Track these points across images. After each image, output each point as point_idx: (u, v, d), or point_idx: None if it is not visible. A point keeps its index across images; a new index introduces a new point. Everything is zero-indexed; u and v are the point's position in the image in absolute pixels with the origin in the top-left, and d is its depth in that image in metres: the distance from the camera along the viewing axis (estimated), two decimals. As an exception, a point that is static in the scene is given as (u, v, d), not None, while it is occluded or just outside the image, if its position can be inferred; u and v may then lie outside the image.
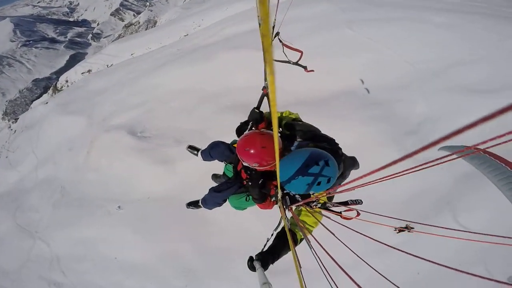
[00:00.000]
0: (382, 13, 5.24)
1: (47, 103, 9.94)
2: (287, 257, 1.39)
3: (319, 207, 1.45)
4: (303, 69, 1.99)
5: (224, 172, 2.55)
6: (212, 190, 2.26)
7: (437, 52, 4.20)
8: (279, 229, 1.66)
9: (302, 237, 1.51)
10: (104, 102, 6.60)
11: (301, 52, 1.88)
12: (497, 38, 4.09)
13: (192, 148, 2.68)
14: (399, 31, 4.61)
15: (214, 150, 2.35)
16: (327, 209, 1.44)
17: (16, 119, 10.71)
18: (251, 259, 1.43)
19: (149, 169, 4.15)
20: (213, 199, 2.25)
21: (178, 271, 3.33)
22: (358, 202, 1.45)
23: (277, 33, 1.89)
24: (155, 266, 3.46)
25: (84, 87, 8.51)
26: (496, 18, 4.60)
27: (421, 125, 3.51)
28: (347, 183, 0.88)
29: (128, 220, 3.81)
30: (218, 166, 2.58)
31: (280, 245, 1.51)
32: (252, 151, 1.58)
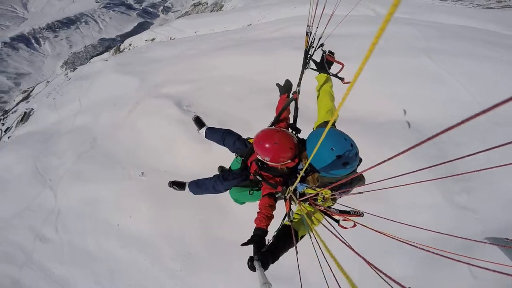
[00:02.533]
0: (463, 46, 5.17)
1: (107, 60, 11.37)
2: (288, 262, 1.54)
3: (323, 208, 1.55)
4: (341, 80, 2.11)
5: (230, 167, 2.74)
6: (217, 177, 2.49)
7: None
8: (287, 220, 1.77)
9: (303, 234, 1.66)
10: (159, 70, 7.23)
11: (343, 64, 2.04)
12: None
13: (199, 123, 2.86)
14: (479, 69, 4.49)
15: (229, 137, 2.59)
16: (327, 213, 1.55)
17: (74, 69, 12.47)
18: (251, 259, 1.52)
19: (185, 143, 4.31)
20: (216, 185, 2.47)
21: (177, 253, 3.45)
22: (359, 213, 1.54)
23: (322, 44, 2.09)
24: (156, 242, 3.56)
25: (145, 53, 9.52)
26: None
27: (471, 176, 3.48)
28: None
29: (146, 189, 3.96)
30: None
31: (280, 244, 1.62)
32: (266, 145, 1.85)
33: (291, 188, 1.65)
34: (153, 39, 14.89)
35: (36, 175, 5.29)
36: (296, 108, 2.28)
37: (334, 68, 2.12)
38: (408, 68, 4.80)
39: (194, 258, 3.42)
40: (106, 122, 5.77)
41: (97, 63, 11.36)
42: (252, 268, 1.49)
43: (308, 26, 2.01)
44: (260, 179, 2.06)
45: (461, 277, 2.83)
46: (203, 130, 2.81)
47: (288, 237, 1.61)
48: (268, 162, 1.91)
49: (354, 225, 1.44)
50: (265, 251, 1.58)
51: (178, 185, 2.81)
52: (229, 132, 2.66)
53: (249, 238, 1.77)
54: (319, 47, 2.10)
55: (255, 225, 1.89)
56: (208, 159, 4.02)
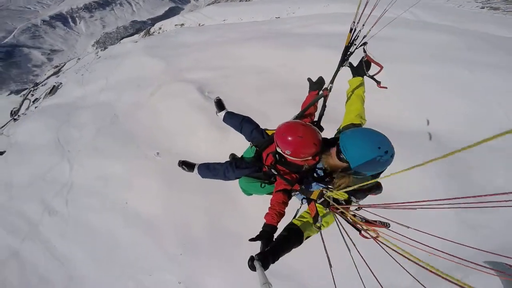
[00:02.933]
0: (507, 62, 4.85)
1: (136, 42, 11.71)
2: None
3: (351, 215, 1.46)
4: (376, 84, 2.07)
5: (242, 156, 2.69)
6: (229, 164, 2.49)
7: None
8: (315, 227, 1.71)
9: (309, 235, 1.65)
10: (186, 56, 7.31)
11: (382, 67, 1.99)
12: None
13: (220, 105, 2.84)
14: None
15: (247, 125, 2.59)
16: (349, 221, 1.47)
17: (105, 48, 12.96)
18: (251, 259, 1.51)
19: (203, 128, 4.33)
20: (226, 172, 2.47)
21: (180, 238, 3.49)
22: (386, 225, 1.47)
23: (365, 43, 2.02)
24: (160, 225, 3.60)
25: (173, 38, 9.69)
26: None
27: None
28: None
29: (159, 170, 3.99)
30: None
31: (284, 245, 1.61)
32: (289, 138, 1.80)
33: (327, 193, 1.59)
34: (182, 24, 15.14)
35: (57, 145, 5.53)
36: (324, 106, 2.21)
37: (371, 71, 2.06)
38: (441, 78, 4.58)
39: (196, 244, 3.43)
40: (128, 101, 5.93)
41: (127, 44, 11.72)
42: (252, 267, 1.50)
43: (353, 22, 1.92)
44: (276, 173, 2.00)
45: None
46: (223, 113, 2.81)
47: (292, 238, 1.61)
48: (288, 156, 1.87)
49: (377, 236, 1.32)
50: (267, 250, 1.58)
51: (187, 165, 2.79)
52: (248, 120, 2.65)
53: (258, 234, 1.75)
54: (361, 45, 2.02)
55: (264, 220, 1.84)
56: (224, 147, 3.99)
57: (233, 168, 2.44)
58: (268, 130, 2.51)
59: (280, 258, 1.55)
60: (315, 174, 1.90)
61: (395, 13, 1.97)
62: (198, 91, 5.18)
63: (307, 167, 1.92)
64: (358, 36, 1.98)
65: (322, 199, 1.63)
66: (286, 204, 1.95)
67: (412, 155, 3.35)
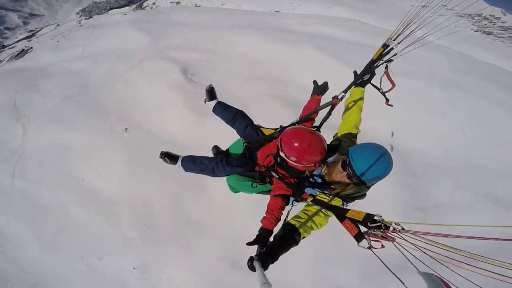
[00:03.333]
0: (483, 87, 5.30)
1: (126, 14, 11.11)
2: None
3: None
4: (385, 100, 2.14)
5: (228, 149, 2.59)
6: (220, 160, 2.36)
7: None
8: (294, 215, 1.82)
9: (305, 236, 1.71)
10: (175, 34, 7.01)
11: (394, 85, 2.05)
12: None
13: (211, 94, 2.65)
14: (489, 116, 4.64)
15: (241, 120, 2.49)
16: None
17: (90, 17, 12.21)
18: (251, 259, 1.53)
19: (180, 110, 4.13)
20: (216, 168, 2.36)
21: (139, 222, 3.31)
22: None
23: (390, 60, 2.03)
24: (118, 206, 3.36)
25: (166, 15, 9.32)
26: None
27: (434, 208, 3.77)
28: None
29: (125, 147, 3.72)
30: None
31: (281, 245, 1.65)
32: (296, 144, 1.82)
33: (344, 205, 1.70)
34: (178, 2, 14.68)
35: (13, 109, 4.97)
36: (329, 114, 2.21)
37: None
38: (416, 94, 4.81)
39: (156, 229, 3.25)
40: (103, 72, 5.54)
41: (115, 15, 11.12)
42: (252, 268, 1.51)
43: (389, 39, 1.98)
44: (276, 176, 2.00)
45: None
46: (213, 102, 2.63)
47: (291, 239, 1.66)
48: (290, 161, 1.88)
49: (382, 247, 1.30)
50: (266, 251, 1.61)
51: (170, 157, 2.58)
52: (242, 115, 2.55)
53: (255, 238, 1.76)
54: (388, 61, 2.04)
55: (261, 224, 1.85)
56: (200, 131, 3.85)
57: (223, 165, 2.34)
58: (263, 128, 2.44)
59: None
60: (311, 179, 1.95)
61: (424, 32, 1.95)
62: (181, 72, 4.95)
63: (308, 173, 1.98)
64: (388, 52, 2.01)
65: (312, 198, 1.76)
66: (283, 209, 1.97)
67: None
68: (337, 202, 1.74)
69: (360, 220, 1.32)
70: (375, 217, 1.26)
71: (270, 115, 3.60)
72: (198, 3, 13.85)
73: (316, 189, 1.85)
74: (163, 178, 3.47)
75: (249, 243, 1.72)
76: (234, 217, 3.29)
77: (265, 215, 1.91)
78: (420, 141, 4.36)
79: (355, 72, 2.12)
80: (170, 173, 3.44)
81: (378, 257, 1.24)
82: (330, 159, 1.88)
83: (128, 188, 3.44)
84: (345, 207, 1.68)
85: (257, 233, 1.80)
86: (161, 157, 2.57)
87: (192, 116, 4.06)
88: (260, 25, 7.58)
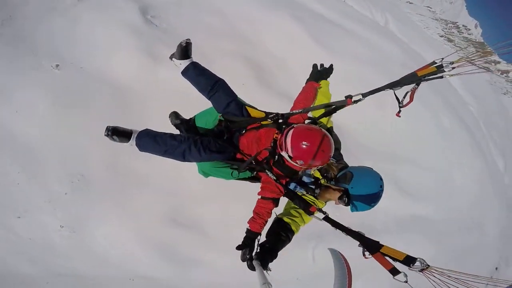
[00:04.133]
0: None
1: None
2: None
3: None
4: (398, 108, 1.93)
5: (194, 119, 2.21)
6: (195, 143, 1.88)
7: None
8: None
9: (296, 234, 1.81)
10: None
11: (412, 101, 1.91)
12: None
13: (185, 51, 2.08)
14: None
15: (224, 92, 2.04)
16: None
17: None
18: (250, 259, 1.58)
19: (130, 52, 3.61)
20: (188, 152, 1.88)
21: (68, 174, 2.88)
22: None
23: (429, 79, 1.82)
24: (41, 154, 2.87)
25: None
26: None
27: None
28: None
29: (55, 86, 3.10)
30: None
31: (278, 243, 1.72)
32: (309, 148, 1.62)
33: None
34: None
35: None
36: (335, 111, 1.93)
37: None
38: (367, 82, 5.32)
39: (88, 183, 2.87)
40: (41, 4, 4.59)
41: None
42: (251, 267, 1.55)
43: (442, 59, 1.69)
44: (273, 177, 1.79)
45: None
46: (186, 62, 2.08)
47: (287, 238, 1.74)
48: (293, 163, 1.72)
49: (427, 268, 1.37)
50: (265, 250, 1.65)
51: (119, 133, 1.91)
52: (224, 86, 2.07)
53: (244, 242, 1.71)
54: (426, 80, 1.82)
55: (248, 225, 1.77)
56: (149, 80, 3.43)
57: (199, 149, 1.87)
58: (249, 107, 2.06)
59: None
60: (303, 179, 1.91)
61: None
62: (139, 11, 4.27)
63: (301, 173, 1.88)
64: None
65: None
66: (272, 211, 1.86)
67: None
68: (321, 204, 1.87)
69: (401, 260, 1.35)
70: (417, 261, 1.31)
71: (232, 74, 3.18)
72: None
73: (302, 188, 1.87)
74: (98, 124, 2.90)
75: (238, 247, 1.67)
76: (179, 172, 3.05)
77: (253, 216, 1.80)
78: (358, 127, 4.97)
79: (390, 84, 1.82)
80: (107, 118, 2.96)
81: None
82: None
83: (54, 133, 2.91)
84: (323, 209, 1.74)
85: (245, 235, 1.74)
86: (107, 135, 1.91)
87: (144, 61, 3.61)
88: None
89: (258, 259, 1.56)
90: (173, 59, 2.15)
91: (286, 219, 1.80)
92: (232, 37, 4.84)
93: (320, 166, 1.75)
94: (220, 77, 2.09)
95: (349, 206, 1.70)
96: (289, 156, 1.70)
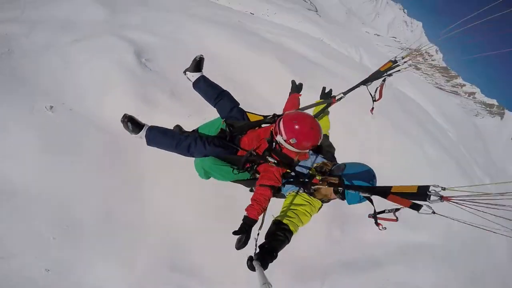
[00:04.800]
0: (402, 119, 7.13)
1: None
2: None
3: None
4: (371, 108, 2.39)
5: (198, 131, 2.45)
6: (200, 137, 2.18)
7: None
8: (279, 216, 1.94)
9: (294, 234, 1.83)
10: (138, 11, 6.54)
11: (381, 97, 2.34)
12: None
13: (198, 65, 2.58)
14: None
15: (227, 99, 2.46)
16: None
17: None
18: (250, 259, 1.59)
19: (124, 96, 3.76)
20: (193, 146, 2.16)
21: (57, 219, 2.82)
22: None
23: (390, 75, 2.33)
24: (31, 197, 2.85)
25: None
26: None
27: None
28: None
29: (47, 129, 3.16)
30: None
31: (278, 244, 1.74)
32: (298, 126, 1.91)
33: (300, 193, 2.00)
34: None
35: None
36: (323, 111, 2.46)
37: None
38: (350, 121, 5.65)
39: (77, 228, 2.85)
40: (38, 40, 4.73)
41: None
42: (251, 268, 1.56)
43: (402, 58, 2.20)
44: (274, 161, 1.99)
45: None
46: (198, 75, 2.56)
47: (286, 239, 1.78)
48: (288, 145, 1.95)
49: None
50: (264, 251, 1.67)
51: (133, 123, 2.21)
52: (228, 94, 2.52)
53: (240, 227, 1.77)
54: (389, 75, 2.30)
55: (245, 212, 1.84)
56: (145, 120, 3.48)
57: (204, 143, 2.15)
58: (249, 113, 2.44)
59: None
60: (298, 169, 2.06)
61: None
62: (134, 54, 4.54)
63: (297, 161, 2.07)
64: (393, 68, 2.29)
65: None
66: (270, 199, 1.98)
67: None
68: (317, 203, 1.97)
69: (415, 192, 1.38)
70: (431, 188, 1.33)
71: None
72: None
73: (295, 187, 2.01)
74: (92, 170, 3.05)
75: (235, 232, 1.74)
76: (174, 220, 3.10)
77: (251, 203, 1.88)
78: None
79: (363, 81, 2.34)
80: (102, 164, 3.12)
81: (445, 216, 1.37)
82: (318, 162, 2.08)
83: (45, 176, 2.91)
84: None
85: (242, 221, 1.80)
86: (122, 121, 2.21)
87: (138, 105, 3.72)
88: (233, 24, 7.79)
89: (258, 259, 1.56)
90: (187, 72, 2.60)
91: (284, 221, 1.83)
92: (222, 77, 5.13)
93: (312, 146, 1.98)
94: (225, 89, 2.54)
95: (346, 199, 1.84)
96: (283, 139, 1.96)
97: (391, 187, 1.49)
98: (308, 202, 1.93)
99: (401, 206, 1.66)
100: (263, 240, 1.79)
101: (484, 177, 10.43)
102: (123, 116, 2.22)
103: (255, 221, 1.83)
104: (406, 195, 1.42)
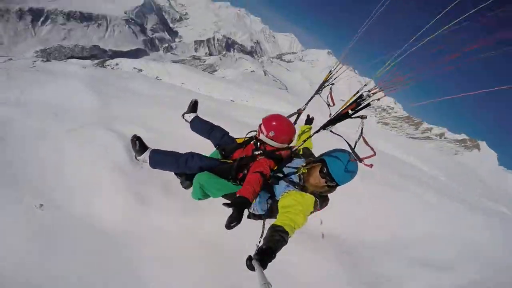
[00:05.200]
0: (387, 175, 7.46)
1: (85, 68, 11.26)
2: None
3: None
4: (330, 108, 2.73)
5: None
6: (198, 154, 2.58)
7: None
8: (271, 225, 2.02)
9: (291, 236, 1.94)
10: (129, 103, 7.26)
11: (334, 104, 2.77)
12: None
13: (193, 108, 3.26)
14: (397, 199, 6.33)
15: (218, 130, 3.00)
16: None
17: (47, 60, 12.00)
18: (249, 258, 1.64)
19: (118, 193, 3.98)
20: (190, 160, 2.48)
21: None
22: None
23: (333, 84, 3.03)
24: None
25: (125, 80, 9.82)
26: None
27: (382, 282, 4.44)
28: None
29: (37, 227, 3.26)
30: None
31: (276, 245, 1.82)
32: (275, 123, 2.52)
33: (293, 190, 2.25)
34: (141, 70, 15.58)
35: None
36: (295, 121, 3.16)
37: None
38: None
39: None
40: (31, 128, 5.01)
41: (72, 66, 11.07)
42: (251, 267, 1.60)
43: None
44: (261, 151, 2.50)
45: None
46: (193, 115, 3.18)
47: (284, 240, 1.88)
48: (270, 140, 2.50)
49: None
50: (264, 251, 1.73)
51: (141, 143, 2.60)
52: (218, 127, 3.07)
53: (232, 201, 1.96)
54: (331, 84, 3.00)
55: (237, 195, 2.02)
56: (137, 223, 3.69)
57: (200, 156, 2.54)
58: (237, 138, 2.93)
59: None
60: (286, 170, 2.36)
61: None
62: (125, 150, 4.85)
63: (280, 157, 2.49)
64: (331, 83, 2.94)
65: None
66: (262, 186, 2.18)
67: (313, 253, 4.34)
68: (310, 199, 2.19)
69: (355, 100, 1.99)
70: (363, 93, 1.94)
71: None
72: (159, 76, 15.12)
73: (290, 186, 2.24)
74: (81, 271, 3.05)
75: (225, 204, 1.93)
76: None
77: (244, 185, 2.10)
78: (347, 227, 5.22)
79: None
80: (93, 262, 3.12)
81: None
82: (301, 163, 2.37)
83: (35, 278, 2.84)
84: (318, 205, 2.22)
85: (234, 201, 1.98)
86: (132, 140, 2.60)
87: (131, 203, 3.92)
88: (215, 113, 8.35)
89: (257, 259, 1.61)
90: (185, 114, 3.25)
91: (277, 223, 1.96)
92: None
93: (289, 140, 2.54)
94: (215, 124, 3.09)
95: (336, 180, 2.13)
96: (264, 135, 2.52)
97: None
98: (298, 201, 2.11)
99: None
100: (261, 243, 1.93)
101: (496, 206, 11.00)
102: (133, 136, 2.64)
103: (248, 200, 1.97)
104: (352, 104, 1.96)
